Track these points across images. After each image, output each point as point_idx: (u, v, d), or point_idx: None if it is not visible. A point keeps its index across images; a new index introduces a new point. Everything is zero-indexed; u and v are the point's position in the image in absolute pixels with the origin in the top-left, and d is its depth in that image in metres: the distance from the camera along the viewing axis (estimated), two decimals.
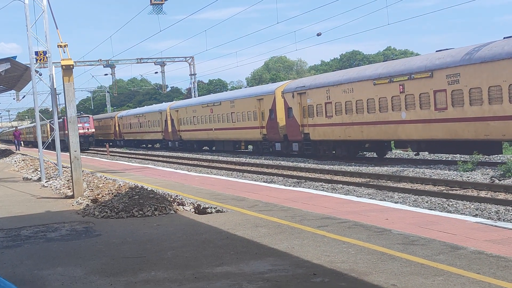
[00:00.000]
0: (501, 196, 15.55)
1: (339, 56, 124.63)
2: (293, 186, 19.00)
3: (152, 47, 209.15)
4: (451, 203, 14.87)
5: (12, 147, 62.88)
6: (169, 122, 53.29)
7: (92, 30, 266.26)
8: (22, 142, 75.49)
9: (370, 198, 15.84)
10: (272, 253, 7.62)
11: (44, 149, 22.74)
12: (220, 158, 37.43)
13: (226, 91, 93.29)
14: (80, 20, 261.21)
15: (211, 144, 48.03)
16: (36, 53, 20.75)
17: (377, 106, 25.81)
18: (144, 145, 66.03)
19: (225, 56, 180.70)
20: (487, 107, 20.63)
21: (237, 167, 30.33)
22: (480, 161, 21.70)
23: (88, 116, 68.03)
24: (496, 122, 20.39)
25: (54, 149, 22.61)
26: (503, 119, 20.11)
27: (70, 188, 16.39)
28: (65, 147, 51.58)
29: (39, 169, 22.97)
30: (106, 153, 54.66)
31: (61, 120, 58.37)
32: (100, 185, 16.43)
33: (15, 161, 35.46)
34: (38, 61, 21.04)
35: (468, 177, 18.91)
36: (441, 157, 27.23)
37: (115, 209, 11.74)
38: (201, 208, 12.09)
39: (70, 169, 15.94)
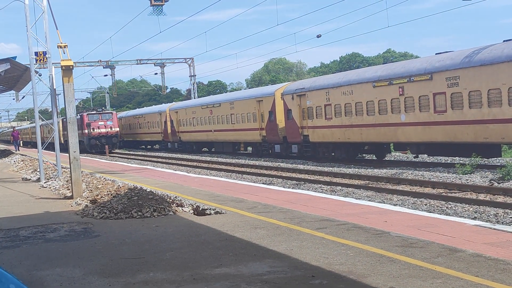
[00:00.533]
0: (500, 199, 15.55)
1: (338, 58, 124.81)
2: (292, 188, 19.00)
3: (152, 48, 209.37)
4: (450, 206, 14.87)
5: (12, 148, 62.82)
6: (168, 123, 53.30)
7: (92, 31, 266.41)
8: (21, 142, 75.36)
9: (369, 200, 15.84)
10: (271, 254, 7.62)
11: (44, 149, 22.73)
12: (220, 159, 37.43)
13: (226, 92, 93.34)
14: (80, 21, 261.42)
15: (211, 146, 48.04)
16: (36, 53, 20.75)
17: (377, 108, 25.82)
18: (144, 146, 65.99)
19: (224, 58, 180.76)
20: (487, 110, 20.64)
21: (236, 168, 30.33)
22: (479, 164, 21.71)
23: (111, 112, 58.24)
24: (495, 125, 20.41)
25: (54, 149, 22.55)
26: (502, 122, 20.12)
27: (69, 189, 16.39)
28: (82, 149, 48.96)
29: (38, 170, 22.96)
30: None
31: (78, 117, 54.19)
32: (99, 186, 16.43)
33: (14, 161, 35.45)
34: (38, 61, 21.04)
35: (467, 180, 18.92)
36: (440, 159, 27.24)
37: (114, 210, 11.74)
38: (200, 209, 12.09)
39: (69, 169, 15.95)
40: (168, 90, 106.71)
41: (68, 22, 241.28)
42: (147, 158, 44.27)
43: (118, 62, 64.48)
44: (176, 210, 11.88)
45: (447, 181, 18.88)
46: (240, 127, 39.32)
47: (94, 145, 54.81)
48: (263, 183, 21.33)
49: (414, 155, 27.11)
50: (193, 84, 67.41)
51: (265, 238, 8.68)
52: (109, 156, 50.70)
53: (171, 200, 12.65)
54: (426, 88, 23.07)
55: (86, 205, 13.20)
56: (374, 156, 30.06)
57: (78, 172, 15.28)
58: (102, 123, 55.36)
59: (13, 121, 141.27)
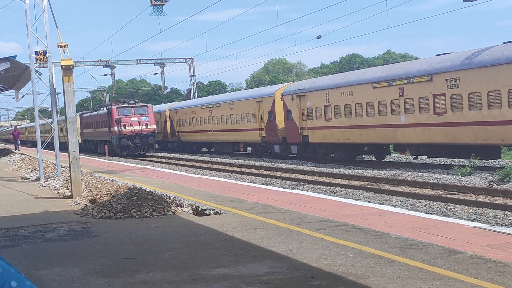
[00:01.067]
0: (500, 201, 15.55)
1: (338, 59, 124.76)
2: (291, 189, 18.99)
3: (152, 48, 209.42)
4: (449, 207, 14.87)
5: (11, 147, 62.79)
6: (168, 123, 53.30)
7: (92, 30, 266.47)
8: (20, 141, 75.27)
9: (369, 201, 15.84)
10: (270, 255, 7.62)
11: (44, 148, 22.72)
12: (219, 159, 37.42)
13: (226, 93, 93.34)
14: (81, 21, 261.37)
15: (210, 146, 48.02)
16: (36, 52, 20.75)
17: (376, 109, 25.83)
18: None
19: (224, 58, 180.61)
20: (486, 111, 20.65)
21: (236, 169, 30.33)
22: (479, 166, 21.72)
23: (146, 106, 47.51)
24: (495, 127, 20.42)
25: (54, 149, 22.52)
26: (502, 124, 20.13)
27: (68, 188, 16.38)
28: (110, 150, 45.57)
29: (37, 169, 22.95)
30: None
31: (107, 110, 47.04)
32: (99, 186, 16.43)
33: (13, 160, 35.43)
34: (38, 60, 21.04)
35: (466, 181, 18.92)
36: (439, 161, 27.24)
37: (114, 210, 11.74)
38: (200, 209, 12.09)
39: (68, 169, 15.93)
40: (168, 90, 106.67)
41: (69, 22, 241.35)
42: (146, 158, 44.17)
43: (118, 61, 64.45)
44: (175, 210, 11.87)
45: (447, 183, 18.88)
46: (239, 127, 39.32)
47: (125, 147, 45.00)
48: (262, 184, 21.32)
49: (413, 157, 27.11)
50: (193, 84, 67.40)
51: (264, 238, 8.68)
52: (109, 155, 45.82)
53: (170, 200, 12.65)
54: (426, 89, 23.08)
55: (86, 204, 13.19)
56: (373, 157, 30.06)
57: (78, 171, 15.28)
58: (136, 119, 45.41)
59: (12, 120, 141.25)
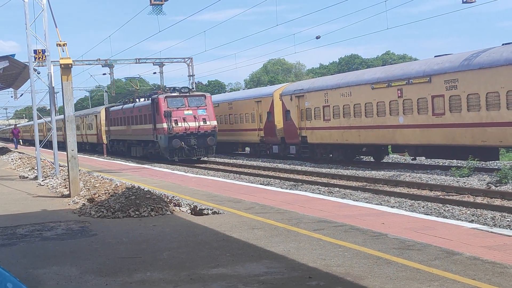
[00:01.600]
0: (497, 202, 15.57)
1: (337, 60, 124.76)
2: (289, 189, 19.00)
3: (150, 48, 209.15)
4: (447, 209, 14.89)
5: (11, 145, 62.70)
6: None
7: (91, 29, 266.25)
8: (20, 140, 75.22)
9: (367, 202, 15.86)
10: (268, 255, 7.62)
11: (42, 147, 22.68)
12: (217, 159, 37.40)
13: (224, 92, 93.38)
14: (80, 20, 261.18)
15: None
16: (35, 51, 20.71)
17: (375, 110, 25.85)
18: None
19: (223, 58, 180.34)
20: (485, 113, 20.67)
21: (234, 169, 30.33)
22: (477, 167, 21.74)
23: (203, 95, 36.07)
24: (493, 128, 20.44)
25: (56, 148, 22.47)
26: (500, 125, 20.15)
27: (66, 187, 16.37)
28: (156, 153, 36.82)
29: (36, 168, 22.93)
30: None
31: (150, 101, 35.87)
32: (97, 185, 16.41)
33: (12, 159, 35.38)
34: (36, 59, 21.00)
35: (464, 182, 18.94)
36: (438, 162, 27.26)
37: (112, 209, 11.73)
38: (198, 209, 12.08)
39: (67, 168, 15.92)
40: None
41: (68, 21, 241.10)
42: (145, 158, 44.05)
43: (117, 61, 64.43)
44: (173, 210, 11.87)
45: (445, 184, 18.90)
46: (238, 127, 39.31)
47: (177, 149, 34.13)
48: (260, 184, 21.34)
49: (412, 158, 27.13)
50: (191, 84, 67.39)
51: (262, 238, 8.68)
52: (107, 155, 43.93)
53: (168, 200, 12.65)
54: (425, 90, 23.10)
55: (84, 203, 13.19)
56: (372, 158, 30.09)
57: (76, 170, 15.26)
58: (190, 112, 34.55)
59: (11, 118, 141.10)
